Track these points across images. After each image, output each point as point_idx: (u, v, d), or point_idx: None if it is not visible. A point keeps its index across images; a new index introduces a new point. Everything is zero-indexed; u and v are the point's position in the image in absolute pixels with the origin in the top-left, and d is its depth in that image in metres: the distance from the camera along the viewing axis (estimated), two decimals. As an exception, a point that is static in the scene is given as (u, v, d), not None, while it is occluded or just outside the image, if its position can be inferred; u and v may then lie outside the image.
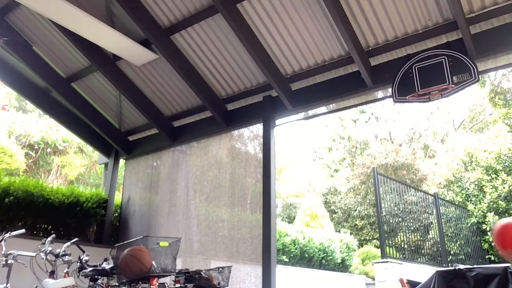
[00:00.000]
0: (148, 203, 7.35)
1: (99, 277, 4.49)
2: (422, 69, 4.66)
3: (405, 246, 9.77)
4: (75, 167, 11.93)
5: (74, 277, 4.39)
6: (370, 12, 4.80)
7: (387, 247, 8.65)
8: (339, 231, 14.44)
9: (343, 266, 11.59)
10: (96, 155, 11.84)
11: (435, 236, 10.81)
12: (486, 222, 11.10)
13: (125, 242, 4.84)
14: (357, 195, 17.23)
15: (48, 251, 4.32)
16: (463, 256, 10.92)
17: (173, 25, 5.78)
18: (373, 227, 15.41)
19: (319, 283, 9.60)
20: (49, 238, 4.45)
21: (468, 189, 12.41)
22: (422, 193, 11.67)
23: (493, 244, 11.02)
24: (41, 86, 7.40)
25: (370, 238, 15.61)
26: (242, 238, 5.79)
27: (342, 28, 4.74)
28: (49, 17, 5.57)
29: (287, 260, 9.79)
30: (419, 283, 5.04)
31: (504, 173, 11.52)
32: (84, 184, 12.15)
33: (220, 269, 4.68)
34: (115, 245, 4.50)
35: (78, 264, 4.54)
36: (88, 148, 12.17)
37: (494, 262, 10.80)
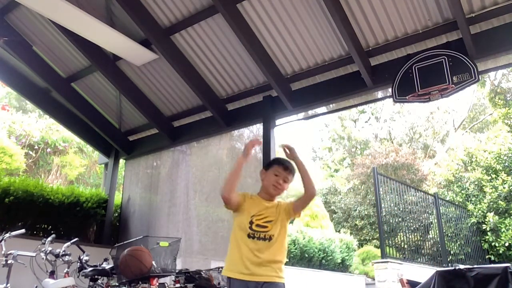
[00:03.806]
0: (148, 203, 7.35)
1: (99, 277, 4.48)
2: (422, 69, 4.65)
3: (405, 246, 9.76)
4: (75, 167, 11.91)
5: (74, 277, 4.39)
6: (370, 12, 4.80)
7: (387, 247, 8.65)
8: (339, 231, 14.44)
9: (343, 266, 11.58)
10: (96, 155, 11.83)
11: (435, 236, 10.80)
12: (486, 222, 11.10)
13: (125, 242, 4.85)
14: (357, 195, 17.24)
15: (48, 251, 4.32)
16: (463, 256, 10.92)
17: (173, 25, 5.78)
18: (373, 227, 15.41)
19: (319, 283, 9.60)
20: (49, 238, 4.45)
21: (468, 189, 12.40)
22: (422, 193, 11.67)
23: (493, 244, 11.04)
24: (41, 86, 7.40)
25: (370, 238, 15.61)
26: (242, 238, 5.78)
27: (342, 28, 4.73)
28: (49, 17, 5.57)
29: (287, 260, 9.78)
30: (419, 283, 5.04)
31: (504, 173, 11.51)
32: (84, 184, 12.14)
33: (220, 269, 4.68)
34: (115, 245, 4.50)
35: (78, 264, 4.53)
36: (88, 148, 12.16)
37: (494, 262, 10.79)
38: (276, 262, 2.50)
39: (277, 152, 6.19)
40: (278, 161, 2.75)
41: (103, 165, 8.58)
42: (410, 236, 10.26)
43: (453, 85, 4.41)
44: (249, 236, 2.50)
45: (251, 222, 2.54)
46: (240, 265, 2.45)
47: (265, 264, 2.45)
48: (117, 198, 7.96)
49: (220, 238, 6.06)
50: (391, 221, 9.64)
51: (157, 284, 3.99)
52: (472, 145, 14.55)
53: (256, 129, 6.21)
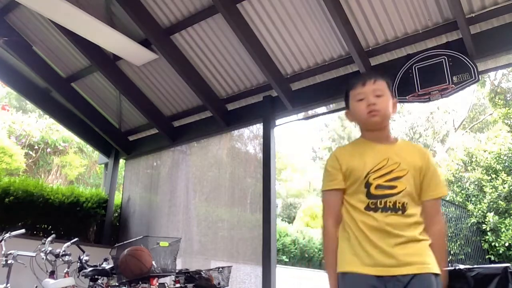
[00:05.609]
0: (148, 203, 7.36)
1: (99, 277, 4.48)
2: (422, 69, 4.65)
3: (405, 246, 9.74)
4: (75, 167, 11.93)
5: (74, 277, 4.39)
6: (370, 12, 4.80)
7: (387, 247, 8.63)
8: (339, 231, 14.41)
9: (343, 266, 11.57)
10: (96, 155, 11.84)
11: (435, 236, 10.78)
12: (486, 222, 11.10)
13: (125, 242, 4.85)
14: (357, 195, 17.21)
15: (48, 251, 4.31)
16: (463, 256, 10.92)
17: (173, 25, 5.78)
18: (373, 227, 15.40)
19: (319, 283, 9.60)
20: (49, 238, 4.45)
21: (468, 189, 12.40)
22: (422, 193, 11.65)
23: (493, 244, 11.04)
24: (41, 86, 7.40)
25: (370, 238, 15.59)
26: (242, 238, 5.79)
27: (342, 28, 4.73)
28: (49, 17, 5.57)
29: (287, 260, 9.79)
30: (419, 283, 5.04)
31: (504, 173, 11.50)
32: (84, 184, 12.15)
33: (220, 269, 4.69)
34: (115, 245, 4.50)
35: (78, 264, 4.53)
36: (88, 148, 12.17)
37: (494, 262, 10.79)
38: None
39: (277, 152, 6.20)
40: (350, 84, 1.90)
41: (103, 165, 8.59)
42: (410, 236, 10.24)
43: (453, 85, 4.41)
44: (368, 208, 1.70)
45: (367, 185, 1.70)
46: (362, 254, 1.67)
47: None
48: (117, 198, 7.96)
49: (220, 238, 6.06)
50: (391, 221, 9.62)
51: (157, 284, 3.99)
52: (472, 145, 14.56)
53: (256, 129, 6.21)
